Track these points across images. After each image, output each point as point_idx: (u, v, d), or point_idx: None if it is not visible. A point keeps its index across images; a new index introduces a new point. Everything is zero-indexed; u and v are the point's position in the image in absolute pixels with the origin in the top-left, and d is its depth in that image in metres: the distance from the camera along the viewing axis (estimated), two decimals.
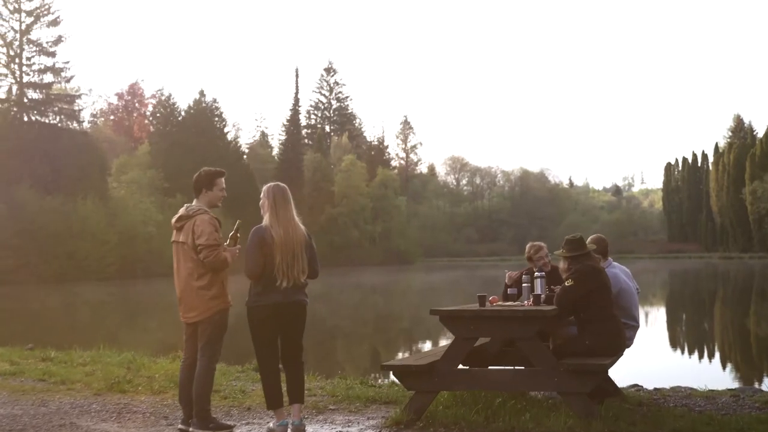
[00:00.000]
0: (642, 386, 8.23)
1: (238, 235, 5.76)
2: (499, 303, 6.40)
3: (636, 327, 6.77)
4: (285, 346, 5.62)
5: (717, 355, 16.05)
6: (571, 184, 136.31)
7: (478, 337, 6.14)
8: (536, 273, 6.61)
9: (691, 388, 7.82)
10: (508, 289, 6.75)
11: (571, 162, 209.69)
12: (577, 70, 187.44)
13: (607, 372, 6.04)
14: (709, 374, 12.31)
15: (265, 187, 5.64)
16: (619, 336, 6.17)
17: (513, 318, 5.73)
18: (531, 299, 6.33)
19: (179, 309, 5.76)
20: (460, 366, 6.21)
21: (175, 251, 5.80)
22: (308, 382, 8.20)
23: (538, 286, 6.46)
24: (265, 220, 5.54)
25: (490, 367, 6.57)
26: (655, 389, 7.79)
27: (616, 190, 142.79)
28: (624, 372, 7.77)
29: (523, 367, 6.34)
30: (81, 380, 8.05)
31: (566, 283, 6.13)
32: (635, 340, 6.85)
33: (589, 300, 6.10)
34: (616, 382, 7.02)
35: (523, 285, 6.72)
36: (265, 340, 5.53)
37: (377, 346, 19.56)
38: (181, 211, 5.77)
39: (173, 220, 5.79)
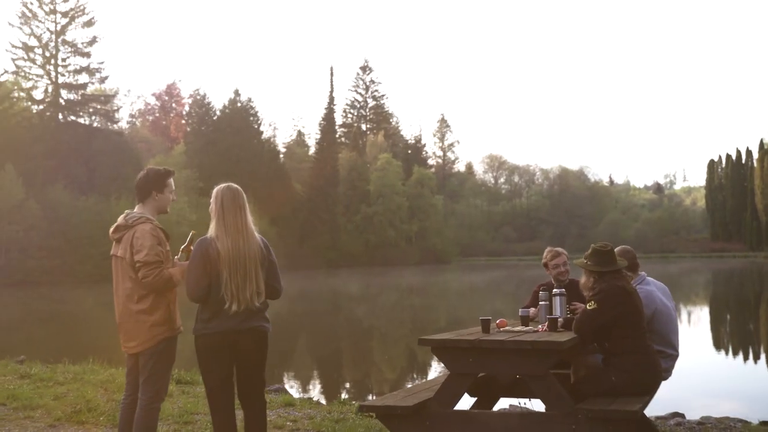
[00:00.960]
0: (684, 416, 7.16)
1: (192, 247, 4.75)
2: (508, 328, 5.30)
3: (675, 356, 5.60)
4: (242, 383, 4.59)
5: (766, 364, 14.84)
6: (611, 181, 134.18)
7: (478, 373, 5.05)
8: (555, 290, 5.56)
9: (742, 421, 6.73)
10: (520, 310, 5.63)
11: (611, 159, 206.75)
12: (617, 66, 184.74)
13: (637, 419, 4.88)
14: (759, 392, 11.15)
15: (214, 189, 4.65)
16: (652, 371, 5.04)
17: (520, 350, 4.60)
18: (546, 323, 5.24)
19: (119, 336, 4.82)
20: (466, 397, 5.22)
21: (113, 267, 4.84)
22: (299, 410, 7.27)
23: (557, 306, 5.41)
24: (211, 229, 4.55)
25: (496, 407, 5.54)
26: (699, 423, 6.68)
27: (658, 188, 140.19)
28: (661, 393, 6.64)
29: (536, 409, 5.27)
30: (45, 405, 7.18)
31: (588, 306, 5.00)
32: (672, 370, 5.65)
33: (615, 327, 4.97)
34: (650, 415, 5.99)
35: (540, 303, 5.66)
36: (216, 376, 4.50)
37: (413, 347, 18.99)
38: (120, 219, 4.80)
39: (111, 230, 4.84)
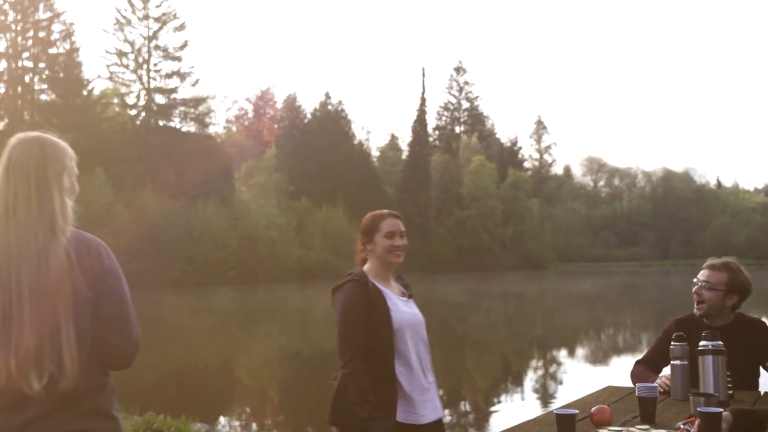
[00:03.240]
0: None
1: None
2: (613, 430, 2.70)
3: None
4: None
5: None
6: (718, 184, 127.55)
7: None
8: (706, 341, 3.19)
9: None
10: (638, 386, 3.00)
11: (718, 161, 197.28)
12: (722, 63, 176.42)
13: None
14: None
15: None
16: None
17: None
18: (697, 421, 2.55)
19: None
20: None
21: None
22: None
23: (709, 376, 3.07)
24: None
25: None
26: None
27: None
28: None
29: None
30: None
31: None
32: None
33: None
34: None
35: (673, 364, 3.35)
36: None
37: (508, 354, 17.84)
38: None
39: None
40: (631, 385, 3.56)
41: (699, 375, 3.18)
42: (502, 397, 12.86)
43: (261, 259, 58.67)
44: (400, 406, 3.43)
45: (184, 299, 40.33)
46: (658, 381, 3.47)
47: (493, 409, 11.49)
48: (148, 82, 66.06)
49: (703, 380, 3.14)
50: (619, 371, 15.99)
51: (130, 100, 66.22)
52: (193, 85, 70.38)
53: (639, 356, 3.93)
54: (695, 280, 3.75)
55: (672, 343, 3.35)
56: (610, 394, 3.55)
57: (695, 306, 3.74)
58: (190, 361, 18.17)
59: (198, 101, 69.65)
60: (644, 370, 3.75)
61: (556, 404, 12.81)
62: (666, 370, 3.63)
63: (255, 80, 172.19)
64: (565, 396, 13.53)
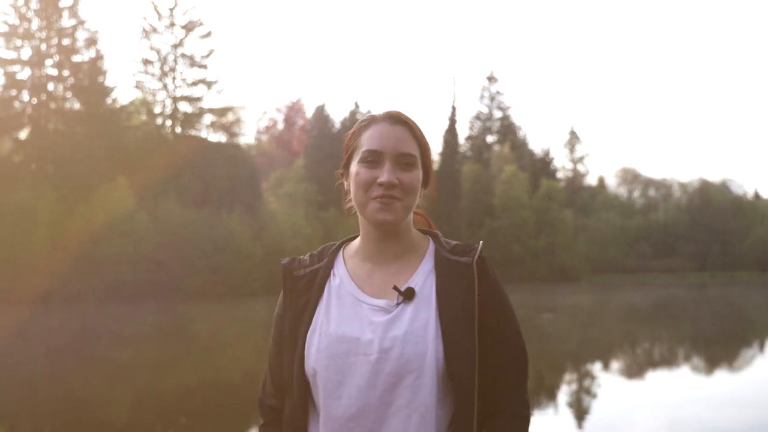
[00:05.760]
0: None
1: None
2: None
3: None
4: None
5: None
6: (756, 195, 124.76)
7: None
8: None
9: None
10: None
11: (755, 172, 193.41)
12: (757, 75, 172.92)
13: None
14: None
15: None
16: None
17: None
18: None
19: None
20: None
21: None
22: None
23: None
24: None
25: None
26: None
27: None
28: None
29: None
30: None
31: None
32: None
33: None
34: None
35: None
36: None
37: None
38: None
39: None
40: None
41: None
42: (534, 411, 12.10)
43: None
44: None
45: (207, 310, 39.48)
46: None
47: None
48: (174, 90, 65.48)
49: None
50: (657, 386, 14.49)
51: (157, 108, 65.65)
52: (219, 93, 69.91)
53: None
54: None
55: None
56: None
57: None
58: (214, 373, 17.29)
59: (225, 110, 68.96)
60: None
61: (590, 420, 11.40)
62: None
63: (286, 91, 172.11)
64: (600, 412, 12.06)
